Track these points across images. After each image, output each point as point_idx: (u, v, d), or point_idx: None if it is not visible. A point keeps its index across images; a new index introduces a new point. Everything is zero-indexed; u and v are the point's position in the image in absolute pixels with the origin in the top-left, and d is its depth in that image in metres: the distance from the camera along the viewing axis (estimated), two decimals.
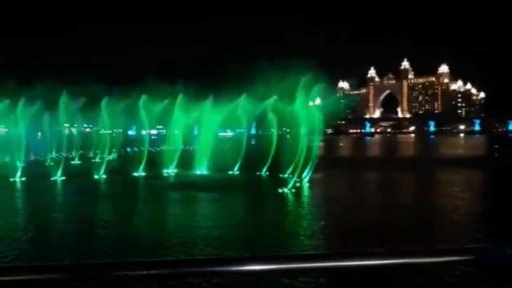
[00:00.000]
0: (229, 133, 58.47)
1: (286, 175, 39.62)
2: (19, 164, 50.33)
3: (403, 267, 2.41)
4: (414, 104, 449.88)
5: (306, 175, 39.29)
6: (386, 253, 2.41)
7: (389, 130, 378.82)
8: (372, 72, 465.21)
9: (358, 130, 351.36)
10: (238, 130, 52.84)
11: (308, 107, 49.89)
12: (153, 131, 60.04)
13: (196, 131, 56.70)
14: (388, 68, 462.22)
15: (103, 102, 55.57)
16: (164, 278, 2.35)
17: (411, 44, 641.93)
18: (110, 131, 66.10)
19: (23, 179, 45.19)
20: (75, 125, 69.12)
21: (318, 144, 43.58)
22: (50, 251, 19.26)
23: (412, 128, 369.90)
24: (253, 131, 53.01)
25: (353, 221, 24.73)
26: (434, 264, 2.44)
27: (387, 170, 55.66)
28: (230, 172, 48.20)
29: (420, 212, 27.68)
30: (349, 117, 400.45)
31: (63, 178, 45.32)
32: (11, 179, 44.79)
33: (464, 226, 23.47)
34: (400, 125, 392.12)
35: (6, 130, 56.29)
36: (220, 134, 58.88)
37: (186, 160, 50.20)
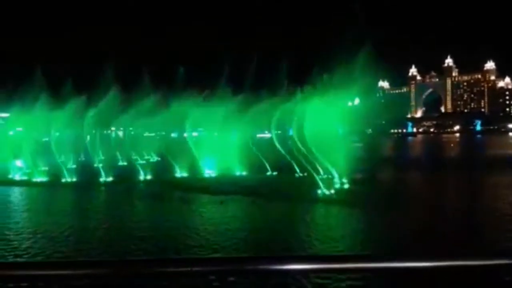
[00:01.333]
0: (267, 135, 58.85)
1: (324, 177, 39.57)
2: (70, 166, 53.35)
3: (453, 269, 2.38)
4: (459, 103, 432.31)
5: (346, 176, 39.10)
6: (435, 256, 2.38)
7: (432, 129, 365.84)
8: (413, 71, 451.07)
9: (400, 130, 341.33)
10: (275, 132, 53.16)
11: (347, 107, 49.53)
12: (195, 133, 61.61)
13: (235, 133, 57.66)
14: (431, 66, 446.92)
15: (145, 106, 57.78)
16: (207, 275, 2.39)
17: (454, 40, 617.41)
18: (154, 134, 68.52)
19: (74, 180, 47.92)
20: (121, 128, 72.03)
21: (357, 144, 43.17)
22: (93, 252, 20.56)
23: (457, 128, 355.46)
24: (290, 132, 53.13)
25: (399, 226, 24.32)
26: (485, 267, 2.39)
27: (433, 171, 54.20)
28: (268, 174, 48.75)
29: (472, 216, 26.88)
30: (390, 116, 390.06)
31: (111, 179, 47.71)
32: (63, 180, 47.66)
33: None
34: (444, 124, 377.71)
35: (57, 134, 59.66)
36: (258, 135, 59.42)
37: (226, 161, 51.14)
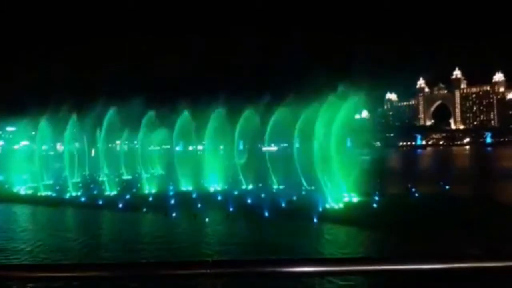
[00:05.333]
0: (273, 148, 58.00)
1: (333, 189, 38.61)
2: (75, 180, 52.99)
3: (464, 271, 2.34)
4: (468, 115, 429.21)
5: (354, 189, 38.20)
6: (447, 258, 2.38)
7: (441, 142, 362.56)
8: (421, 83, 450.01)
9: (409, 143, 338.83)
10: (282, 145, 52.40)
11: (354, 120, 48.69)
12: (200, 147, 61.05)
13: (241, 146, 57.01)
14: (439, 78, 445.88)
15: (149, 120, 57.43)
16: (223, 276, 2.45)
17: (462, 52, 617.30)
18: (158, 147, 68.23)
19: (79, 193, 47.37)
20: (126, 142, 71.94)
21: (366, 157, 42.24)
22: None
23: (466, 140, 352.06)
24: (297, 145, 52.35)
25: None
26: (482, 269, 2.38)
27: (443, 184, 52.96)
28: (276, 187, 47.83)
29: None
30: (399, 129, 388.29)
31: (115, 192, 47.16)
32: (68, 194, 47.16)
33: None
34: (453, 136, 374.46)
35: (62, 147, 59.59)
36: (264, 148, 58.60)
37: (234, 175, 50.43)
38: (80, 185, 51.82)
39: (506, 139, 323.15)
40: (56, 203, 42.74)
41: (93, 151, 65.56)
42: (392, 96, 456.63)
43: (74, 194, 47.12)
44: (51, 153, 63.79)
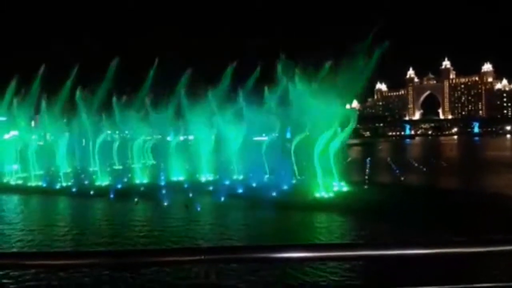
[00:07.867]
0: (264, 138, 58.08)
1: (322, 179, 39.13)
2: (65, 170, 52.80)
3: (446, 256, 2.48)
4: (456, 105, 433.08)
5: (343, 179, 38.77)
6: (429, 243, 2.50)
7: (430, 132, 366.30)
8: (411, 73, 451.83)
9: (398, 133, 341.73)
10: (273, 134, 52.60)
11: (345, 109, 49.08)
12: (191, 137, 61.05)
13: (231, 136, 57.04)
14: (428, 68, 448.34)
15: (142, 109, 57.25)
16: (218, 262, 2.53)
17: (451, 42, 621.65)
18: (150, 138, 68.16)
19: (69, 184, 47.31)
20: (117, 131, 71.67)
21: (355, 147, 42.72)
22: None
23: (454, 130, 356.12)
24: (288, 134, 52.68)
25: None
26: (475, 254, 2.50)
27: (428, 172, 53.98)
28: (266, 176, 48.23)
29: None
30: (388, 119, 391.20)
31: (107, 183, 47.23)
32: (59, 185, 47.07)
33: None
34: (442, 126, 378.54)
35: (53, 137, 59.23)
36: (255, 138, 58.66)
37: (224, 165, 50.70)
38: (71, 175, 51.78)
39: (494, 129, 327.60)
40: (47, 193, 42.73)
41: (84, 141, 65.17)
42: (382, 86, 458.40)
43: (65, 184, 47.12)
44: (40, 143, 63.32)
